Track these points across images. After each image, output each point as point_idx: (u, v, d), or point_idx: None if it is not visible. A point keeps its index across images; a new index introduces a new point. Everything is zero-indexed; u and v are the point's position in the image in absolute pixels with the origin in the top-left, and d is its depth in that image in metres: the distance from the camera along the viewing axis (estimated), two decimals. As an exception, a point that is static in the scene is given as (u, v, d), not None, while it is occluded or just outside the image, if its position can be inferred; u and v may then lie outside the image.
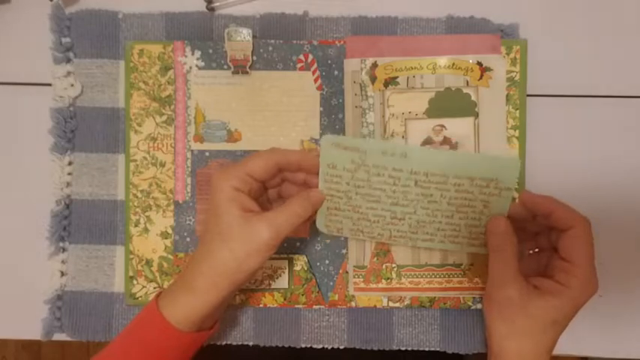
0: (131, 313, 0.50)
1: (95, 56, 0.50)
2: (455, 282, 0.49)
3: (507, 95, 0.49)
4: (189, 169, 0.49)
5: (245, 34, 0.48)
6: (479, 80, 0.48)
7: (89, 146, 0.50)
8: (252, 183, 0.41)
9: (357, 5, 0.50)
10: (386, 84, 0.49)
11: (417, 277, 0.49)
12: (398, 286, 0.49)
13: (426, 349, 0.50)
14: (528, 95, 0.49)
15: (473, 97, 0.48)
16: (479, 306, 0.49)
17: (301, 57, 0.49)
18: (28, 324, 0.50)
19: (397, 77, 0.49)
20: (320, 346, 0.50)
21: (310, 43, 0.49)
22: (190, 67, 0.49)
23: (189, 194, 0.49)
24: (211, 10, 0.50)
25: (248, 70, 0.49)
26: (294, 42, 0.49)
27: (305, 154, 0.44)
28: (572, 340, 0.49)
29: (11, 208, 0.51)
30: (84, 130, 0.50)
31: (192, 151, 0.49)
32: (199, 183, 0.49)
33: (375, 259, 0.49)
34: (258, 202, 0.42)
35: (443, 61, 0.48)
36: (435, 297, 0.49)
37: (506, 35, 0.49)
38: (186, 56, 0.49)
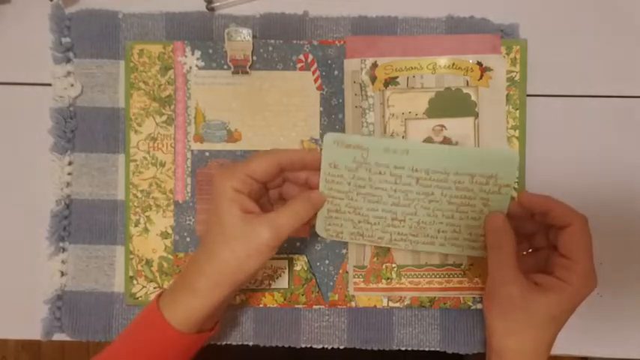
0: (131, 313, 0.50)
1: (95, 56, 0.50)
2: (455, 282, 0.49)
3: (507, 95, 0.49)
4: (189, 169, 0.49)
5: (245, 34, 0.48)
6: (479, 80, 0.48)
7: (89, 146, 0.50)
8: (253, 184, 0.41)
9: (357, 5, 0.50)
10: (386, 84, 0.49)
11: (417, 277, 0.49)
12: (398, 286, 0.49)
13: (426, 349, 0.50)
14: (528, 95, 0.49)
15: (473, 97, 0.48)
16: (479, 306, 0.49)
17: (301, 57, 0.49)
18: (28, 324, 0.50)
19: (397, 77, 0.49)
20: (320, 346, 0.50)
21: (310, 43, 0.49)
22: (190, 67, 0.49)
23: (189, 194, 0.49)
24: (211, 10, 0.50)
25: (248, 70, 0.49)
26: (294, 42, 0.49)
27: (307, 151, 0.44)
28: (572, 340, 0.49)
29: (11, 208, 0.51)
30: (84, 130, 0.50)
31: (192, 151, 0.49)
32: (199, 183, 0.49)
33: (375, 259, 0.49)
34: (259, 203, 0.42)
35: (443, 61, 0.48)
36: (435, 297, 0.49)
37: (506, 35, 0.49)
38: (186, 56, 0.49)
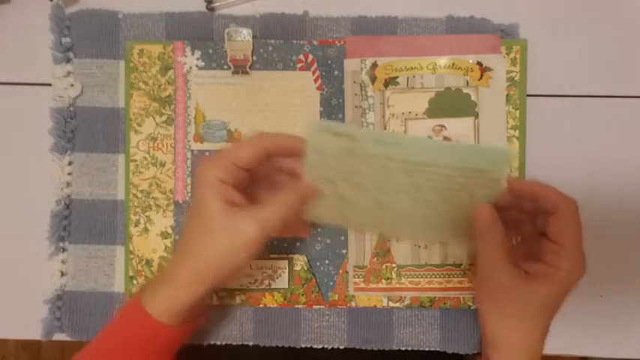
0: (131, 313, 0.50)
1: (95, 56, 0.50)
2: (455, 282, 0.49)
3: (507, 95, 0.49)
4: (189, 169, 0.49)
5: (245, 34, 0.48)
6: (479, 80, 0.48)
7: (89, 146, 0.50)
8: (239, 172, 0.40)
9: (357, 5, 0.50)
10: (386, 84, 0.49)
11: (417, 277, 0.49)
12: (398, 286, 0.49)
13: (426, 349, 0.50)
14: (528, 95, 0.49)
15: (473, 97, 0.48)
16: (479, 306, 0.49)
17: (301, 57, 0.49)
18: (28, 324, 0.50)
19: (397, 77, 0.49)
20: (320, 346, 0.50)
21: (310, 43, 0.49)
22: (190, 67, 0.49)
23: (189, 194, 0.49)
24: (211, 10, 0.50)
25: (248, 70, 0.49)
26: (294, 42, 0.49)
27: (294, 137, 0.42)
28: (572, 340, 0.49)
29: (11, 208, 0.51)
30: (84, 130, 0.50)
31: (192, 151, 0.49)
32: (199, 183, 0.49)
33: (375, 259, 0.49)
34: (246, 193, 0.41)
35: (443, 61, 0.48)
36: (435, 297, 0.49)
37: (506, 35, 0.49)
38: (186, 56, 0.49)
